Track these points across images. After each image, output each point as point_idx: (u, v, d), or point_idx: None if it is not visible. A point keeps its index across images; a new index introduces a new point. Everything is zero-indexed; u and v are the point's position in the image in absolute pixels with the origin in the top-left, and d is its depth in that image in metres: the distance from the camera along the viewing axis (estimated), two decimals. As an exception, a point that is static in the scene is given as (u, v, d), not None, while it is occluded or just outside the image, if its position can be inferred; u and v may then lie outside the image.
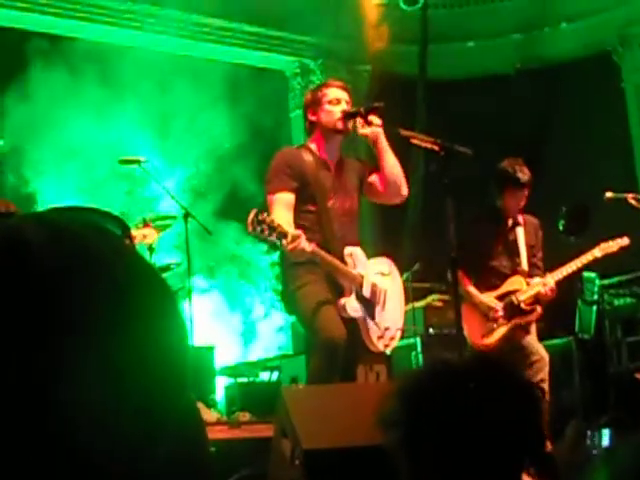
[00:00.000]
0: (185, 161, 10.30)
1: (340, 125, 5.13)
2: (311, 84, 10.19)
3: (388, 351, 5.27)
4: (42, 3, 9.53)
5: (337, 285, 5.00)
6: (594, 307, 8.20)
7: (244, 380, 8.33)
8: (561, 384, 7.24)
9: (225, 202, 10.19)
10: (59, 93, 9.13)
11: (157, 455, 0.67)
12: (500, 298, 6.15)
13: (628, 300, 8.26)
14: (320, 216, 5.05)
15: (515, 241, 6.24)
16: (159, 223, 7.13)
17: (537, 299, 6.14)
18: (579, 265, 6.23)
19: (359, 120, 5.14)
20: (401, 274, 5.62)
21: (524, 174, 6.10)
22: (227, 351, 9.39)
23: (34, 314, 0.64)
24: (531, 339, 6.13)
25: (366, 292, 5.06)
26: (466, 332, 5.64)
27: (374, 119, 5.11)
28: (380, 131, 5.14)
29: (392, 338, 5.21)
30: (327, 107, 5.15)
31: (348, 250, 5.04)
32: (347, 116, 5.13)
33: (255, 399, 7.23)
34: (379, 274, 5.22)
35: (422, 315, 8.44)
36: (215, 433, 5.23)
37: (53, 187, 9.35)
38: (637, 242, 6.57)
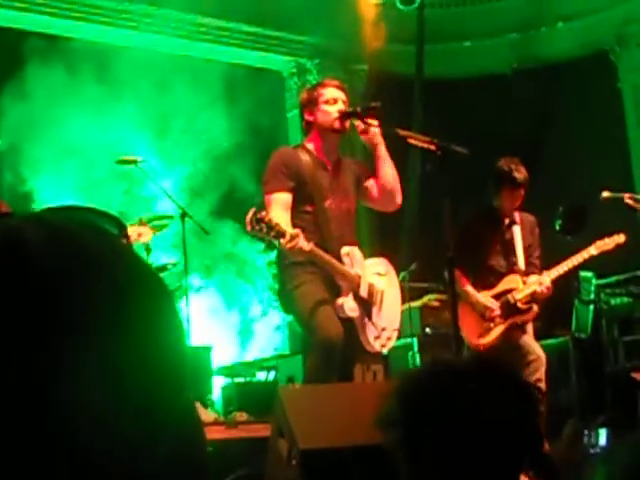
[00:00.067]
0: (183, 160, 10.31)
1: (337, 125, 5.12)
2: (308, 84, 10.19)
3: (385, 351, 5.27)
4: (39, 3, 9.53)
5: (334, 285, 5.00)
6: (591, 306, 8.21)
7: (241, 380, 8.33)
8: (558, 383, 7.24)
9: (222, 201, 10.19)
10: (57, 92, 9.14)
11: (157, 455, 0.67)
12: (497, 297, 6.15)
13: (625, 299, 8.27)
14: (317, 216, 5.05)
15: (512, 240, 6.24)
16: (156, 223, 7.13)
17: (534, 298, 6.15)
18: (575, 263, 6.23)
19: (358, 123, 5.14)
20: (398, 274, 5.63)
21: (520, 173, 6.11)
22: (224, 351, 9.40)
23: (34, 314, 0.64)
24: (528, 339, 6.13)
25: (363, 292, 5.07)
26: (463, 332, 5.64)
27: (372, 122, 5.11)
28: (380, 140, 5.15)
29: (389, 338, 5.21)
30: (324, 107, 5.15)
31: (345, 250, 5.04)
32: (344, 116, 5.13)
33: (252, 399, 7.24)
34: (376, 274, 5.22)
35: (419, 315, 8.45)
36: (212, 433, 5.23)
37: (51, 186, 9.35)
38: (633, 241, 6.58)
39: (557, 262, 6.24)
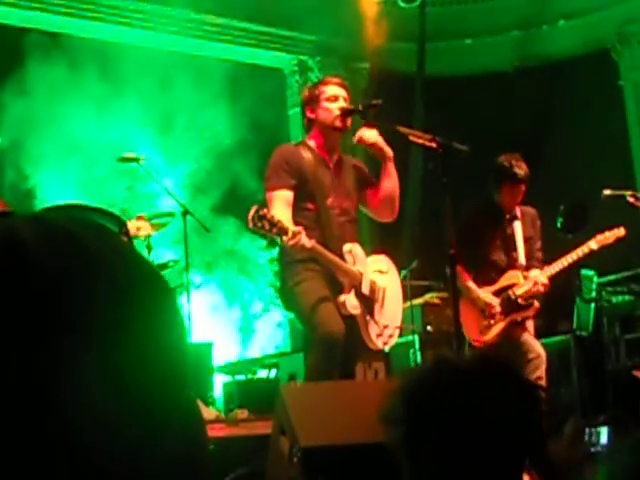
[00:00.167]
0: (185, 157, 10.31)
1: (338, 122, 5.12)
2: (309, 82, 10.18)
3: (387, 349, 5.27)
4: (41, 0, 9.51)
5: (336, 282, 5.00)
6: (592, 304, 8.20)
7: (242, 378, 8.32)
8: (559, 382, 7.25)
9: (225, 198, 10.20)
10: (59, 88, 9.14)
11: (157, 455, 0.67)
12: (497, 293, 6.15)
13: (626, 297, 8.26)
14: (319, 214, 5.05)
15: (512, 235, 6.24)
16: (157, 220, 7.13)
17: (534, 293, 6.15)
18: (575, 258, 6.22)
19: (367, 137, 5.14)
20: (399, 272, 5.62)
21: (521, 169, 6.10)
22: (225, 348, 9.40)
23: (34, 314, 0.64)
24: (528, 336, 6.13)
25: (365, 290, 5.06)
26: (464, 329, 5.64)
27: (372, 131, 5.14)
28: (390, 155, 5.16)
29: (390, 336, 5.21)
30: (325, 104, 5.15)
31: (347, 247, 5.04)
32: (345, 113, 5.13)
33: (253, 397, 7.22)
34: (378, 272, 5.22)
35: (420, 313, 8.45)
36: (213, 431, 5.23)
37: (53, 183, 9.35)
38: (635, 239, 6.57)
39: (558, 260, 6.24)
